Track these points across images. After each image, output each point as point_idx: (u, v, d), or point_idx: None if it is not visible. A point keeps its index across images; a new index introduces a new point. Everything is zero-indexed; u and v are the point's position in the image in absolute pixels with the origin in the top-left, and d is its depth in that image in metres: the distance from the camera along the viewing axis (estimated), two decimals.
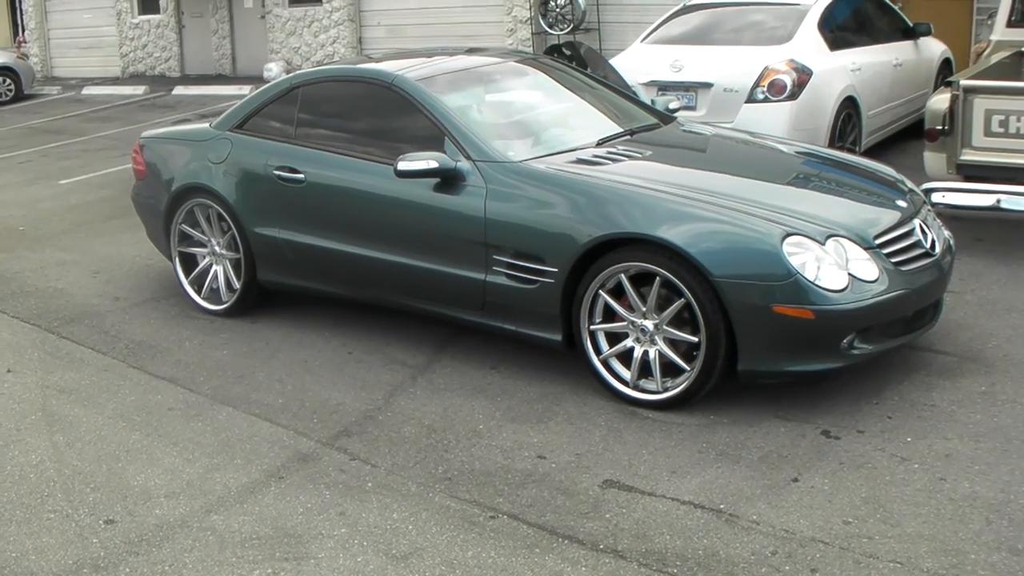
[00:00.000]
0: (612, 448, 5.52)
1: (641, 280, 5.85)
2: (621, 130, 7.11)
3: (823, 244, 5.61)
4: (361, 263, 6.84)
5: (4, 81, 23.45)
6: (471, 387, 6.34)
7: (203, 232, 7.69)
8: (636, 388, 5.96)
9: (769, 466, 5.26)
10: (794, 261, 5.50)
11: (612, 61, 10.77)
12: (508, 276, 6.20)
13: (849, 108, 10.37)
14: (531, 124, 7.16)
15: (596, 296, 5.95)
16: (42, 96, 24.18)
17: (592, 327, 6.02)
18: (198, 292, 7.82)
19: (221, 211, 7.49)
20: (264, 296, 7.63)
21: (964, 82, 8.07)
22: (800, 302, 5.47)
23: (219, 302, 7.71)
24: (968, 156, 8.09)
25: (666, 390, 5.86)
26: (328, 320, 7.48)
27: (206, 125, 7.95)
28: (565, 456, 5.46)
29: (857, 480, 5.07)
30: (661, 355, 5.85)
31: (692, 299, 5.63)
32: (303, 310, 7.66)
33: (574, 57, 10.30)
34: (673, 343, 5.84)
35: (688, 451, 5.45)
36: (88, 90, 23.91)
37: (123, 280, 8.65)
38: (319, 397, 6.30)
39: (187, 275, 7.86)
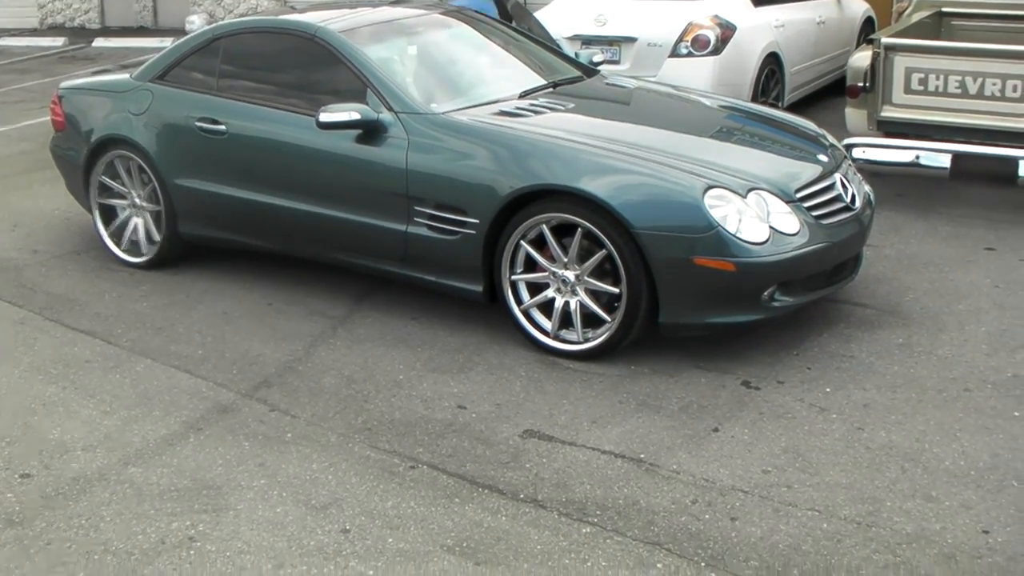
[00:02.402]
0: (533, 398, 5.51)
1: (563, 231, 5.83)
2: (544, 83, 7.08)
3: (744, 197, 5.62)
4: (282, 215, 6.77)
5: None
6: (392, 337, 6.30)
7: (123, 184, 7.55)
8: (557, 339, 5.95)
9: (689, 416, 5.27)
10: (715, 214, 5.50)
11: (537, 15, 10.71)
12: (429, 228, 6.17)
13: (772, 64, 10.41)
14: (454, 76, 7.09)
15: (518, 247, 5.93)
16: None
17: (513, 277, 6.01)
18: (118, 244, 7.67)
19: (142, 163, 7.35)
20: (185, 248, 7.52)
21: (885, 40, 8.10)
22: (721, 254, 5.48)
23: (139, 254, 7.58)
24: (888, 113, 8.14)
25: (587, 341, 5.86)
26: (249, 272, 7.41)
27: (126, 76, 7.80)
28: (485, 406, 5.45)
29: (777, 430, 5.10)
30: (582, 306, 5.84)
31: (613, 250, 5.63)
32: (224, 262, 7.57)
33: (500, 10, 10.22)
34: (594, 294, 5.83)
35: (609, 401, 5.46)
36: (4, 41, 23.39)
37: (42, 233, 8.49)
38: (239, 348, 6.24)
39: (107, 227, 7.71)
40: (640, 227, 5.54)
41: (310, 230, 6.72)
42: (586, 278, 5.81)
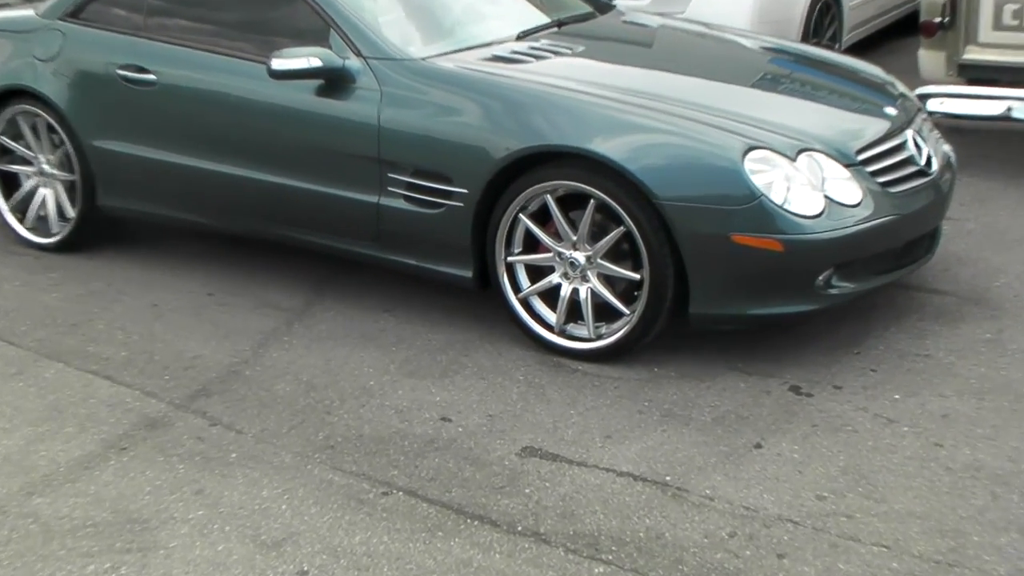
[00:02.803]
0: (533, 408, 5.50)
1: (571, 203, 5.82)
2: (547, 21, 7.08)
3: (793, 160, 5.60)
4: (226, 185, 6.77)
5: None
6: (360, 334, 6.30)
7: (28, 147, 7.53)
8: (563, 334, 5.95)
9: (726, 429, 5.25)
10: (758, 180, 5.48)
11: None
12: (407, 199, 6.16)
13: None
14: (437, 13, 7.06)
15: (515, 222, 5.92)
16: None
17: (510, 259, 6.00)
18: (21, 221, 7.66)
19: (51, 120, 7.32)
20: (105, 226, 7.52)
21: None
22: (765, 230, 5.46)
23: (48, 234, 7.58)
24: (973, 55, 8.10)
25: (600, 337, 5.85)
26: (185, 255, 7.41)
27: (31, 12, 7.74)
28: (475, 418, 5.43)
29: (834, 446, 5.07)
30: (594, 294, 5.83)
31: (633, 226, 5.60)
32: (153, 243, 7.58)
33: None
34: (609, 280, 5.82)
35: (626, 411, 5.44)
36: None
37: None
38: (172, 349, 6.22)
39: (7, 200, 7.69)
40: (665, 197, 5.51)
41: (260, 203, 6.71)
42: (599, 260, 5.79)
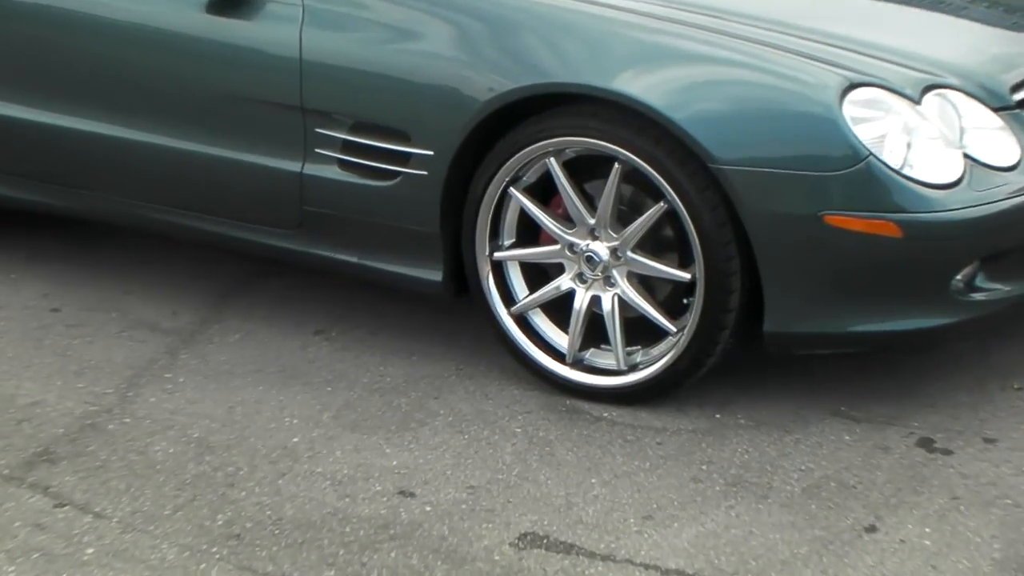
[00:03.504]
0: (536, 475, 5.44)
1: (587, 170, 5.79)
2: None
3: (918, 102, 5.52)
4: (78, 147, 6.77)
5: None
6: (279, 368, 6.29)
7: None
8: (579, 365, 5.92)
9: (823, 505, 5.17)
10: (863, 133, 5.39)
11: None
12: (344, 167, 6.15)
13: None
14: None
15: (505, 199, 5.88)
16: None
17: (498, 255, 5.97)
18: None
19: None
20: None
21: None
22: (875, 207, 5.38)
23: None
24: None
25: (634, 369, 5.81)
26: (21, 254, 7.44)
27: None
28: (450, 491, 5.35)
29: (985, 528, 5.00)
30: (624, 305, 5.77)
31: (679, 203, 5.52)
32: None
33: None
34: (646, 284, 5.78)
35: (674, 479, 5.38)
36: None
37: None
38: (1, 393, 6.14)
39: None
40: (727, 160, 5.42)
41: (128, 175, 6.72)
42: (630, 254, 5.72)
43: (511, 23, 5.87)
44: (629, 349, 5.78)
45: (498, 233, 5.93)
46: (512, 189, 5.81)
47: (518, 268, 5.97)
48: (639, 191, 5.69)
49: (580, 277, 5.82)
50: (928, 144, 5.43)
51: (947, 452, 5.42)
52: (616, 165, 5.60)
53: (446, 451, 5.60)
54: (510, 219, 5.91)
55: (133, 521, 5.20)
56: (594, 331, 5.85)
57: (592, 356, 5.88)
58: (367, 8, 6.11)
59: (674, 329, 5.66)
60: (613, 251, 5.72)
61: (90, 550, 5.05)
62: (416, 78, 5.94)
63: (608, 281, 5.76)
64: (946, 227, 5.38)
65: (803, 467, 5.38)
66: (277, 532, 5.12)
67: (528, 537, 5.04)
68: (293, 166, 6.21)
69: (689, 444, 5.57)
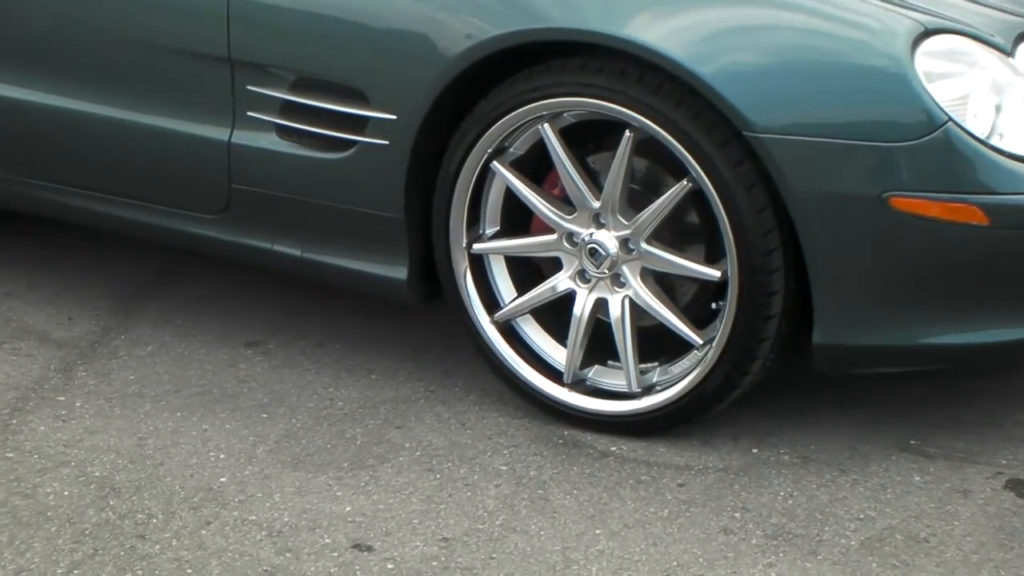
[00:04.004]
0: (526, 525, 5.45)
1: (589, 138, 5.82)
2: None
3: (1010, 54, 5.56)
4: None
5: None
6: (202, 389, 6.33)
7: None
8: (579, 386, 5.94)
9: (885, 562, 5.18)
10: (940, 93, 5.40)
11: None
12: (283, 134, 6.18)
13: None
14: None
15: (486, 175, 5.91)
16: None
17: (478, 247, 6.00)
18: None
19: None
20: None
21: None
22: (954, 187, 5.40)
23: None
24: None
25: (649, 390, 5.83)
26: None
27: None
28: (417, 544, 5.37)
29: None
30: (637, 309, 5.80)
31: (707, 182, 5.54)
32: None
33: None
34: (665, 284, 5.81)
35: (700, 529, 5.40)
36: None
37: None
38: None
39: None
40: (767, 127, 5.43)
41: (10, 142, 6.77)
42: (645, 246, 5.73)
43: None
44: (643, 366, 5.79)
45: (478, 219, 5.95)
46: (496, 163, 5.82)
47: (503, 264, 5.98)
48: (656, 166, 5.72)
49: (581, 275, 5.84)
50: (1022, 108, 5.49)
51: None
52: (627, 133, 5.60)
53: (412, 494, 5.60)
54: (493, 202, 5.92)
55: None
56: (599, 344, 5.86)
57: (596, 375, 5.90)
58: None
59: (700, 341, 5.67)
60: (623, 242, 5.73)
61: None
62: (375, 21, 5.95)
63: (617, 280, 5.78)
64: None
65: (861, 515, 5.38)
66: None
67: None
68: (219, 134, 6.23)
69: (718, 486, 5.58)
